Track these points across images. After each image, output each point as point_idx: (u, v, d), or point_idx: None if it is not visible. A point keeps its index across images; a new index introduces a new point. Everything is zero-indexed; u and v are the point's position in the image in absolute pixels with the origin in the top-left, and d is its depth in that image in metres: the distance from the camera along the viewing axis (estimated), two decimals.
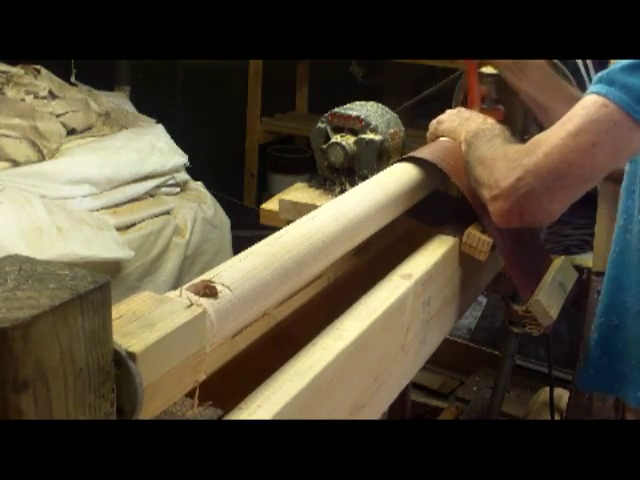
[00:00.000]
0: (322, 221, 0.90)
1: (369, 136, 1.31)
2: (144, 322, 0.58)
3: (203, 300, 0.65)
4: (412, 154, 1.19)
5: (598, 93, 0.97)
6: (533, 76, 1.32)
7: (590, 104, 0.98)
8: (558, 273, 1.32)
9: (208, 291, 0.67)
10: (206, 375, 0.66)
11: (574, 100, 1.04)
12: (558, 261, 1.37)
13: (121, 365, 0.55)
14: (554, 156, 0.98)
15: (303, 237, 0.84)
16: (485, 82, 1.44)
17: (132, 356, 0.55)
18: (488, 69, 1.45)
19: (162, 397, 0.60)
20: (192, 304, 0.63)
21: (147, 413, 0.58)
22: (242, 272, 0.73)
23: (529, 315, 1.24)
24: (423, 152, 1.19)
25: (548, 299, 1.24)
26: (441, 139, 1.28)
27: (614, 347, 1.16)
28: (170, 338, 0.59)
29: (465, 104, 1.47)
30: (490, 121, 1.23)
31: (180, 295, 0.65)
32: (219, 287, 0.68)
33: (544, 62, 1.36)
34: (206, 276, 0.70)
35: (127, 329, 0.57)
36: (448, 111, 1.32)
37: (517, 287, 1.22)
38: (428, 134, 1.33)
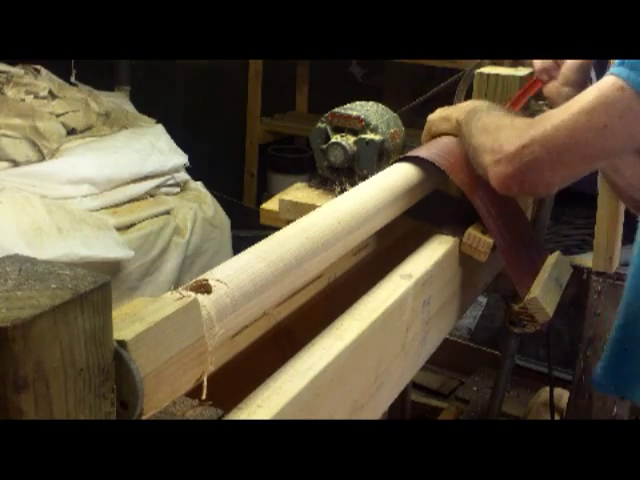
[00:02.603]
0: (318, 217, 0.90)
1: (369, 136, 1.31)
2: (135, 318, 0.59)
3: (197, 295, 0.66)
4: (410, 153, 1.19)
5: (618, 75, 0.95)
6: None
7: (607, 86, 0.96)
8: (554, 269, 1.33)
9: (202, 289, 0.68)
10: (214, 367, 0.66)
11: None
12: (553, 257, 1.37)
13: (115, 356, 0.55)
14: (562, 130, 0.97)
15: (298, 232, 0.84)
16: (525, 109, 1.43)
17: (123, 344, 0.55)
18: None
19: (166, 388, 0.60)
20: (183, 297, 0.64)
21: (152, 405, 0.58)
22: (235, 267, 0.73)
23: (526, 312, 1.25)
24: (421, 151, 1.19)
25: (545, 296, 1.24)
26: (439, 138, 1.28)
27: (631, 349, 1.15)
28: (161, 326, 0.59)
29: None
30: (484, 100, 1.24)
31: (172, 294, 0.65)
32: (212, 282, 0.69)
33: None
34: (200, 277, 0.71)
35: (119, 326, 0.57)
36: (438, 109, 1.32)
37: (514, 283, 1.22)
38: (422, 136, 1.32)
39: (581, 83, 1.28)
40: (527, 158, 0.99)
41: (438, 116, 1.28)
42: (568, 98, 1.27)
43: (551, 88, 1.31)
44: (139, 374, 0.56)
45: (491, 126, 1.07)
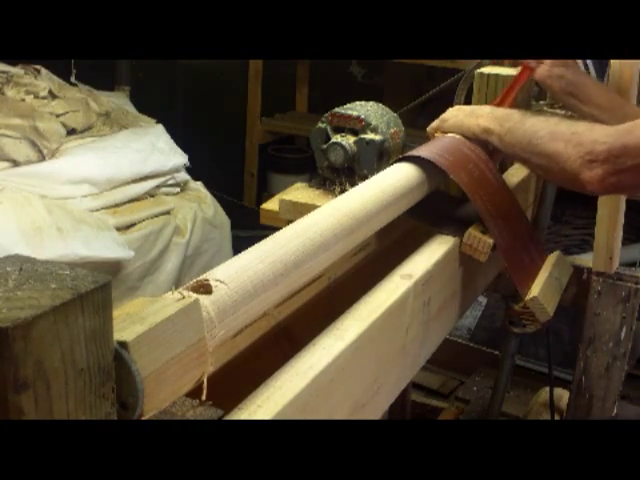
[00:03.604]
0: (318, 217, 0.91)
1: (369, 136, 1.31)
2: (136, 318, 0.59)
3: (197, 295, 0.66)
4: (410, 153, 1.19)
5: None
6: (597, 99, 1.30)
7: None
8: (554, 269, 1.33)
9: (202, 289, 0.68)
10: (214, 367, 0.66)
11: None
12: (553, 257, 1.37)
13: (116, 357, 0.55)
14: None
15: (298, 233, 0.84)
16: (518, 98, 1.43)
17: (124, 345, 0.55)
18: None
19: (166, 389, 0.60)
20: (184, 297, 0.63)
21: (152, 405, 0.58)
22: (236, 267, 0.73)
23: (527, 311, 1.25)
24: (421, 150, 1.19)
25: (545, 295, 1.24)
26: (440, 136, 1.27)
27: None
28: (162, 327, 0.59)
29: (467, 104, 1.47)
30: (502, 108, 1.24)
31: (173, 294, 0.65)
32: (213, 283, 0.69)
33: (603, 84, 1.34)
34: (201, 277, 0.71)
35: (120, 326, 0.57)
36: (449, 110, 1.32)
37: (515, 283, 1.22)
38: (428, 130, 1.31)
39: (571, 61, 1.29)
40: (620, 166, 1.01)
41: (454, 122, 1.26)
42: (561, 78, 1.28)
43: (541, 72, 1.31)
44: (140, 375, 0.56)
45: (563, 132, 1.08)
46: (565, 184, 1.10)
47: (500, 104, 1.38)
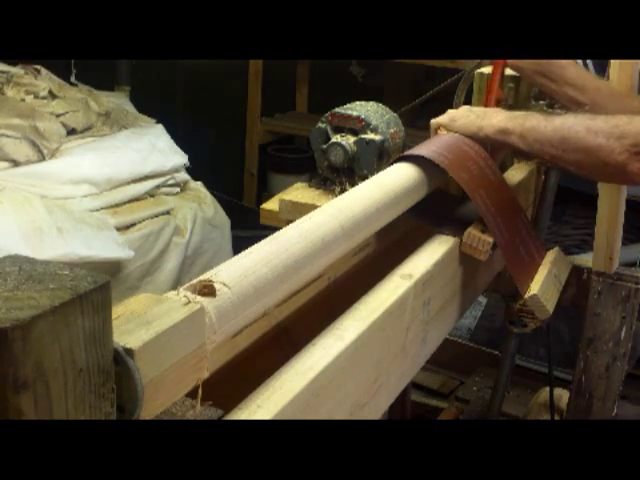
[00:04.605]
0: (321, 219, 0.90)
1: (369, 136, 1.31)
2: (142, 321, 0.59)
3: (201, 299, 0.66)
4: (410, 151, 1.19)
5: None
6: (568, 76, 1.30)
7: None
8: (553, 266, 1.33)
9: (206, 290, 0.67)
10: (209, 373, 0.66)
11: (619, 95, 1.03)
12: (552, 253, 1.37)
13: (120, 363, 0.55)
14: None
15: (301, 235, 0.84)
16: (506, 86, 1.44)
17: (130, 353, 0.55)
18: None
19: (163, 395, 0.60)
20: (190, 302, 0.63)
21: (149, 411, 0.58)
22: (240, 270, 0.73)
23: (526, 309, 1.25)
24: (420, 149, 1.18)
25: (545, 293, 1.24)
26: (440, 133, 1.27)
27: None
28: (168, 334, 0.59)
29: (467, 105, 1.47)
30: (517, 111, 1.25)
31: (178, 295, 0.65)
32: (217, 286, 0.68)
33: (573, 61, 1.34)
34: (204, 276, 0.70)
35: (125, 328, 0.57)
36: (461, 108, 1.30)
37: (514, 281, 1.22)
38: (433, 123, 1.29)
39: None
40: None
41: (465, 121, 1.24)
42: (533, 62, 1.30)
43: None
44: (142, 383, 0.55)
45: (601, 126, 1.08)
46: (606, 177, 1.10)
47: (487, 98, 1.39)
